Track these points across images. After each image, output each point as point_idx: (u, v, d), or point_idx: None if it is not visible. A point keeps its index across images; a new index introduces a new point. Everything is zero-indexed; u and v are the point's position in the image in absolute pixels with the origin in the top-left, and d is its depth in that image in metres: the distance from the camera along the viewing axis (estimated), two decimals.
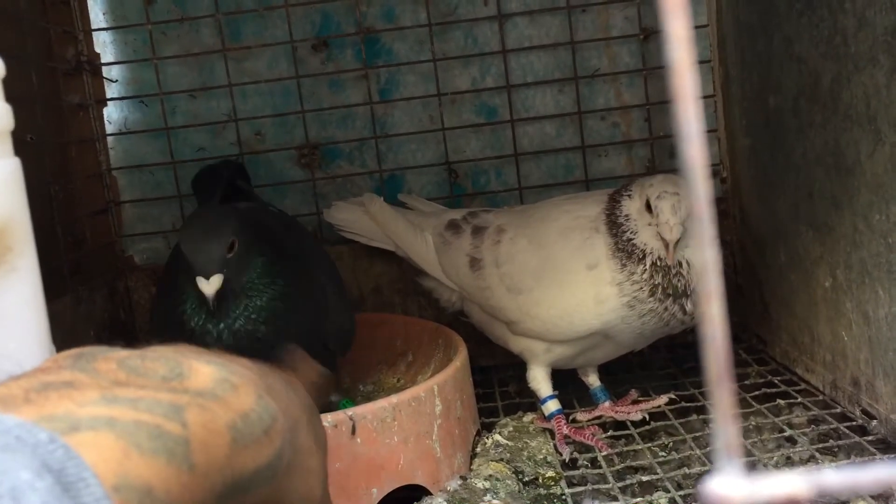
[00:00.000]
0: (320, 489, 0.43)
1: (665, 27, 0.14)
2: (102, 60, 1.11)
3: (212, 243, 0.73)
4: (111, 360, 0.34)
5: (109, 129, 1.13)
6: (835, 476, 0.16)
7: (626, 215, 0.83)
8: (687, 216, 0.80)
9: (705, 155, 0.15)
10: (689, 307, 0.82)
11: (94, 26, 1.10)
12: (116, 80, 1.12)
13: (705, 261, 0.16)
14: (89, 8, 1.10)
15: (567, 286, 0.84)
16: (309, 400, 0.46)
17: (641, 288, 0.81)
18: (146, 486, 0.29)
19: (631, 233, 0.82)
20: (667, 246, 0.79)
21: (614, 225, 0.83)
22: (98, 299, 1.04)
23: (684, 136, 0.14)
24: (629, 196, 0.84)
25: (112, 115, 1.13)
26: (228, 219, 0.76)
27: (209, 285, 0.72)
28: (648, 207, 0.81)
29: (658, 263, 0.81)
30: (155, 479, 0.30)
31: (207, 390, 0.35)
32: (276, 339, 0.75)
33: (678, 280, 0.81)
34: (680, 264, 0.81)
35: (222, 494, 0.34)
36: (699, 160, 0.14)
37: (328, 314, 0.84)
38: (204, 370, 0.36)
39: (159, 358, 0.36)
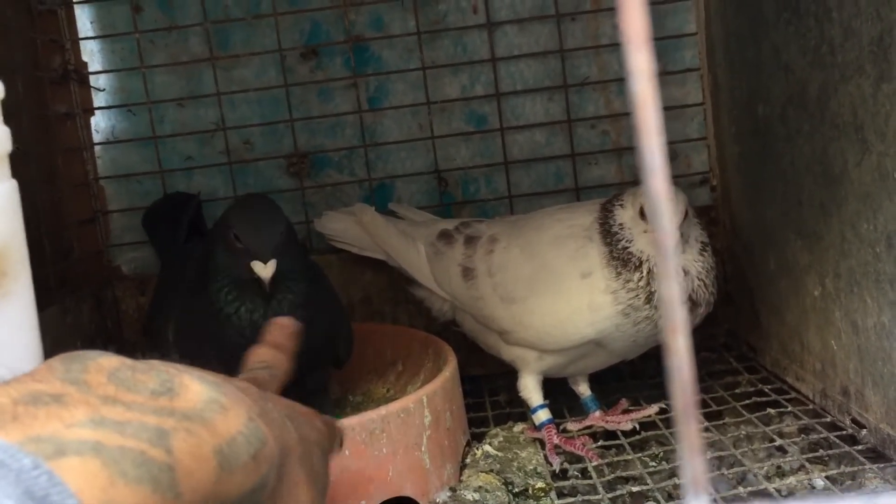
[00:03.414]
0: None
1: (627, 61, 0.14)
2: (90, 69, 1.11)
3: (270, 228, 0.75)
4: (102, 370, 0.34)
5: (97, 138, 1.12)
6: None
7: (621, 224, 0.83)
8: (682, 222, 0.80)
9: (670, 188, 0.14)
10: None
11: (81, 35, 1.10)
12: (104, 89, 1.11)
13: (670, 293, 0.15)
14: (76, 17, 1.10)
15: (561, 295, 0.84)
16: (313, 436, 0.45)
17: (637, 295, 0.81)
18: None
19: (626, 241, 0.82)
20: None
21: (608, 234, 0.83)
22: (85, 309, 1.03)
23: (648, 168, 0.14)
24: (621, 205, 0.84)
25: (99, 124, 1.12)
26: (277, 205, 0.79)
27: (266, 269, 0.73)
28: (642, 215, 0.81)
29: (655, 270, 0.81)
30: None
31: (195, 412, 0.35)
32: (310, 329, 0.77)
33: None
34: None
35: None
36: (664, 193, 0.14)
37: (337, 320, 0.85)
38: (195, 388, 0.35)
39: (150, 370, 0.35)
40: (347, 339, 0.87)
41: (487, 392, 1.02)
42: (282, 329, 0.55)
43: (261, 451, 0.37)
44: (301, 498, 0.41)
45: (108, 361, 0.35)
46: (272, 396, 0.44)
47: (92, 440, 0.30)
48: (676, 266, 0.15)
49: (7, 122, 0.46)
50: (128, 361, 0.35)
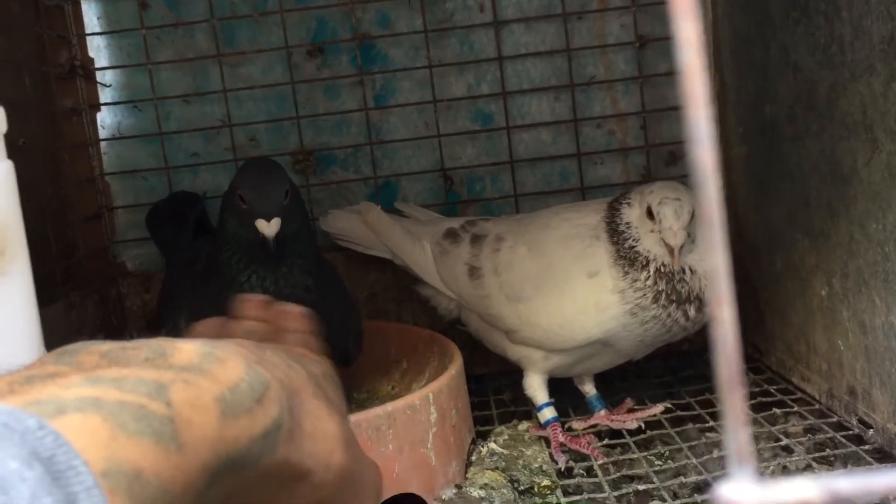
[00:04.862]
0: (341, 453, 0.41)
1: (674, 30, 0.14)
2: (96, 65, 1.11)
3: (272, 187, 0.77)
4: (94, 353, 0.34)
5: (103, 134, 1.12)
6: (847, 482, 0.15)
7: (627, 223, 0.83)
8: (690, 221, 0.80)
9: (715, 158, 0.14)
10: (692, 313, 0.81)
11: (87, 31, 1.10)
12: (110, 85, 1.11)
13: (716, 265, 0.15)
14: (83, 12, 1.10)
15: (567, 294, 0.84)
16: (320, 368, 0.45)
17: (645, 294, 0.81)
18: (135, 470, 0.29)
19: (633, 240, 0.82)
20: (671, 252, 0.79)
21: (615, 233, 0.83)
22: (90, 306, 1.03)
23: (694, 139, 0.14)
24: (628, 204, 0.84)
25: (105, 119, 1.12)
26: (281, 167, 0.81)
27: (269, 227, 0.74)
28: (650, 214, 0.81)
29: (662, 269, 0.81)
30: (144, 461, 0.29)
31: (193, 365, 0.35)
32: (320, 295, 0.77)
33: (682, 286, 0.81)
34: (683, 270, 0.81)
35: (217, 471, 0.33)
36: (710, 163, 0.14)
37: (349, 315, 0.86)
38: (187, 347, 0.36)
39: (142, 345, 0.35)
40: (358, 335, 0.87)
41: (492, 391, 1.02)
42: (289, 314, 0.53)
43: (265, 395, 0.36)
44: (328, 429, 0.41)
45: (98, 346, 0.35)
46: (270, 345, 0.44)
47: (91, 396, 0.30)
48: (723, 237, 0.15)
49: (14, 117, 0.46)
50: (119, 343, 0.36)
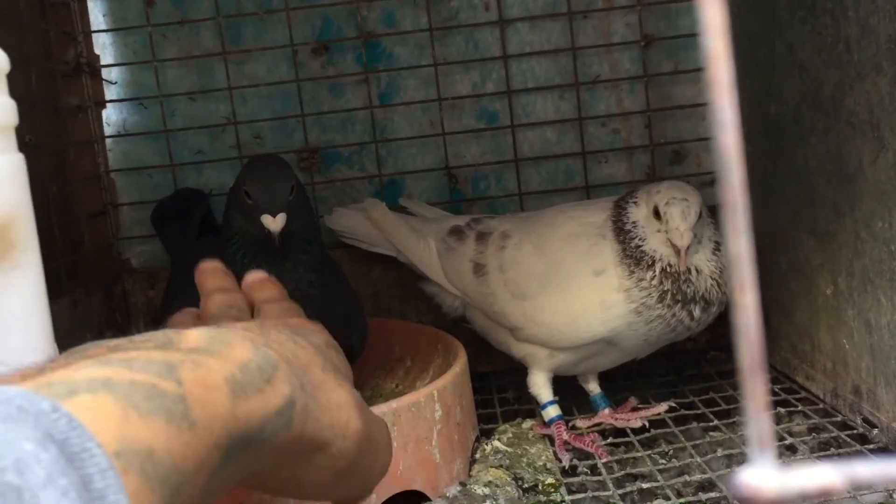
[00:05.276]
0: (356, 419, 0.42)
1: (700, 15, 0.14)
2: (102, 62, 1.11)
3: (278, 183, 0.77)
4: (102, 347, 0.35)
5: (108, 131, 1.12)
6: (867, 468, 0.15)
7: (634, 222, 0.83)
8: (696, 221, 0.80)
9: (739, 142, 0.14)
10: (697, 313, 0.82)
11: (93, 28, 1.10)
12: (116, 82, 1.12)
13: (738, 249, 0.15)
14: (89, 9, 1.10)
15: (573, 292, 0.84)
16: (321, 338, 0.46)
17: (650, 294, 0.81)
18: (147, 449, 0.29)
19: (639, 239, 0.82)
20: (678, 252, 0.79)
21: (621, 232, 0.83)
22: (94, 302, 1.03)
23: (718, 123, 0.14)
24: (635, 203, 0.84)
25: (111, 117, 1.12)
26: (287, 164, 0.82)
27: (276, 222, 0.75)
28: (656, 214, 0.81)
29: (668, 270, 0.81)
30: (155, 440, 0.30)
31: (201, 348, 0.35)
32: (324, 292, 0.77)
33: (687, 286, 0.81)
34: (689, 271, 0.81)
35: (230, 449, 0.34)
36: (733, 147, 0.14)
37: (353, 311, 0.85)
38: (194, 333, 0.36)
39: (149, 337, 0.36)
40: (362, 331, 0.87)
41: (496, 388, 1.02)
42: (259, 283, 0.54)
43: (274, 375, 0.37)
44: (340, 398, 0.42)
45: (107, 343, 0.36)
46: (269, 322, 0.45)
47: (102, 377, 0.30)
48: (746, 223, 0.15)
49: (20, 113, 0.46)
50: (126, 338, 0.36)
